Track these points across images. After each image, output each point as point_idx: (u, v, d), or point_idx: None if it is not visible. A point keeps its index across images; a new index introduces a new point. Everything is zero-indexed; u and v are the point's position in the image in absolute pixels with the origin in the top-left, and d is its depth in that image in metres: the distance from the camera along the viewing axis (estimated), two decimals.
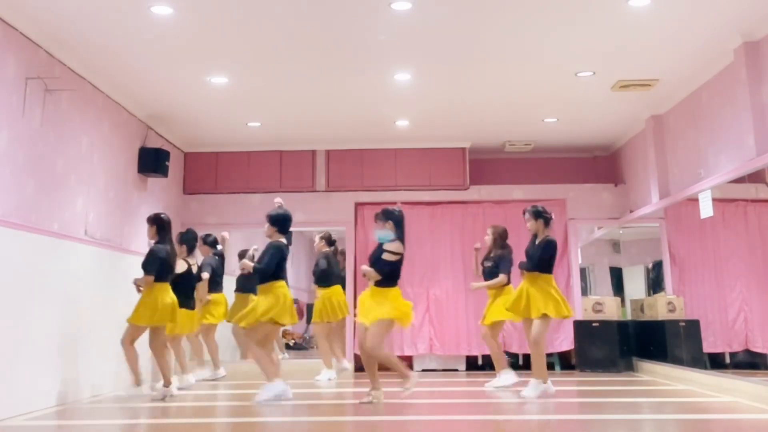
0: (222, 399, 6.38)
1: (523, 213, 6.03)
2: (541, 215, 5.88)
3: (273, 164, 8.93)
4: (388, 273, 5.30)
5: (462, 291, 8.59)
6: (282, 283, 5.55)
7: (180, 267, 6.43)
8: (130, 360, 5.73)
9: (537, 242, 5.85)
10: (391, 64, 6.24)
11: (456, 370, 8.45)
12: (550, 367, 8.42)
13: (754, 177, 5.96)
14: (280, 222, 5.71)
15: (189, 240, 6.85)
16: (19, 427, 4.57)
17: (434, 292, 8.68)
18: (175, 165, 8.24)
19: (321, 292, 7.46)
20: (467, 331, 8.52)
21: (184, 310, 6.39)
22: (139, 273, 7.31)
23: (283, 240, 5.69)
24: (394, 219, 5.38)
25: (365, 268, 5.34)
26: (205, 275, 7.15)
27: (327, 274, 7.51)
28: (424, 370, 8.43)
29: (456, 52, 5.97)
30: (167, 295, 5.82)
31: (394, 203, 8.77)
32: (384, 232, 5.35)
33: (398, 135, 8.53)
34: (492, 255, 6.75)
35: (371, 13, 5.18)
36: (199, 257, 7.18)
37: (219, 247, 7.55)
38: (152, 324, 5.74)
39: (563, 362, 8.36)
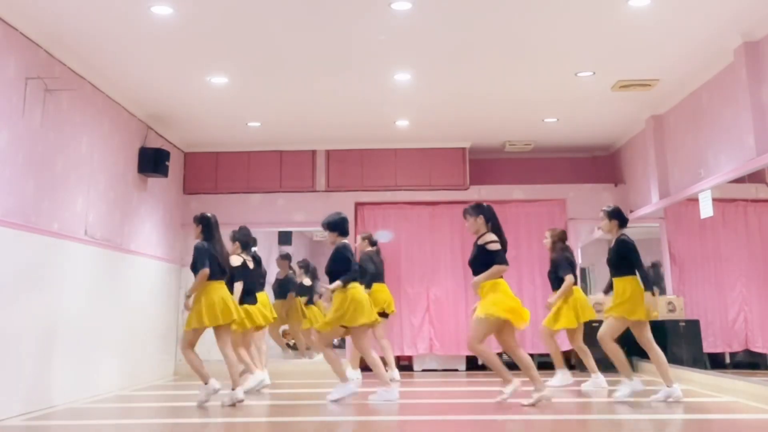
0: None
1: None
2: (614, 215, 5.65)
3: (273, 164, 8.93)
4: (497, 260, 5.17)
5: (462, 291, 8.59)
6: (355, 284, 5.55)
7: (235, 261, 6.32)
8: (191, 365, 5.43)
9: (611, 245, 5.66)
10: (391, 64, 6.24)
11: (456, 370, 8.45)
12: (550, 366, 8.41)
13: (754, 177, 5.96)
14: (339, 226, 5.72)
15: (243, 236, 6.67)
16: (19, 427, 4.57)
17: (434, 292, 8.68)
18: (175, 165, 8.24)
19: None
20: (467, 331, 8.51)
21: (244, 306, 6.29)
22: (140, 273, 7.32)
23: (346, 241, 5.73)
24: (485, 213, 5.30)
25: (474, 280, 5.18)
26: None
27: (371, 274, 7.49)
28: (424, 370, 8.44)
29: (456, 52, 5.97)
30: (216, 293, 5.45)
31: (394, 203, 8.88)
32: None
33: (398, 135, 8.53)
34: (551, 259, 6.77)
35: (371, 13, 5.18)
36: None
37: (253, 248, 7.49)
38: (203, 326, 5.41)
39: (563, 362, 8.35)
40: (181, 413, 5.21)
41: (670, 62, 6.26)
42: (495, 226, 5.28)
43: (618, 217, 5.66)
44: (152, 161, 7.38)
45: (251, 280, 6.46)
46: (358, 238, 7.86)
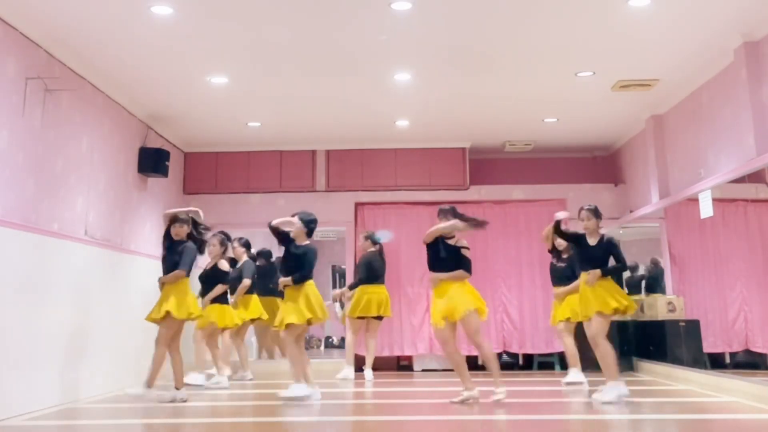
0: (227, 399, 6.38)
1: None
2: (591, 214, 5.61)
3: (273, 164, 8.94)
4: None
5: None
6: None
7: None
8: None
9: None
10: (391, 64, 6.24)
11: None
12: (550, 366, 8.42)
13: (754, 177, 5.95)
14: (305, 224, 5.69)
15: None
16: (19, 427, 4.57)
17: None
18: (175, 165, 8.24)
19: (364, 289, 7.46)
20: (465, 331, 8.49)
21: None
22: (140, 273, 7.36)
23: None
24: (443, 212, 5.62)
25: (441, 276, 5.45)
26: (247, 281, 7.35)
27: (372, 273, 7.49)
28: (424, 370, 8.44)
29: (456, 52, 5.97)
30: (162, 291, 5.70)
31: (394, 203, 8.88)
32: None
33: (398, 135, 8.53)
34: (566, 256, 6.70)
35: (371, 13, 5.18)
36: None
37: (253, 250, 7.61)
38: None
39: (563, 362, 8.35)
40: (182, 413, 5.21)
41: (670, 62, 6.26)
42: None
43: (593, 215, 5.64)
44: (152, 161, 7.38)
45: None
46: (360, 236, 7.87)
